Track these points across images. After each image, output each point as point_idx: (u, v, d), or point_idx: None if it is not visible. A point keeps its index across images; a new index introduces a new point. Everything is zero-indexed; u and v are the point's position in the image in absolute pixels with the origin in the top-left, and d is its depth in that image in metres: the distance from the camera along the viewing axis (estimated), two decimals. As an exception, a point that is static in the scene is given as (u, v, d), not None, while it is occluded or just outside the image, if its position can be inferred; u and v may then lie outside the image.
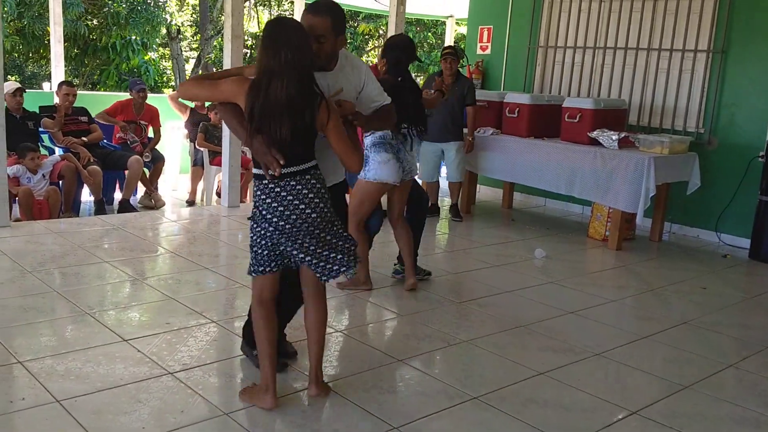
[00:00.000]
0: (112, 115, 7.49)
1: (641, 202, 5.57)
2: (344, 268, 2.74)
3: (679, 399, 3.15)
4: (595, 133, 6.00)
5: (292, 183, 2.63)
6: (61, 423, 2.60)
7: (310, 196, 2.64)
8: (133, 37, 14.19)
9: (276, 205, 2.63)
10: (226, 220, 6.24)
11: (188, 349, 3.33)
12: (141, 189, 7.46)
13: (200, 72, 18.50)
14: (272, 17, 2.77)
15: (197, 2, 18.73)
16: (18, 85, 6.68)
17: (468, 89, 6.36)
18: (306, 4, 2.94)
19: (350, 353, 3.45)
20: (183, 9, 19.04)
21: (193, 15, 19.45)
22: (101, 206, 6.63)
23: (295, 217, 2.63)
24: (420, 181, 5.67)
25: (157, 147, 7.75)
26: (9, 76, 14.03)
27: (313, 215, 2.65)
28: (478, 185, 7.59)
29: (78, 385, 2.89)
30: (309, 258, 2.69)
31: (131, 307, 3.91)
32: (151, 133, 7.74)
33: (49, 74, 10.03)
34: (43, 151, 6.74)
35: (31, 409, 2.69)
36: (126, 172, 6.99)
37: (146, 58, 15.04)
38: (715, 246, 6.28)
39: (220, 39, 17.40)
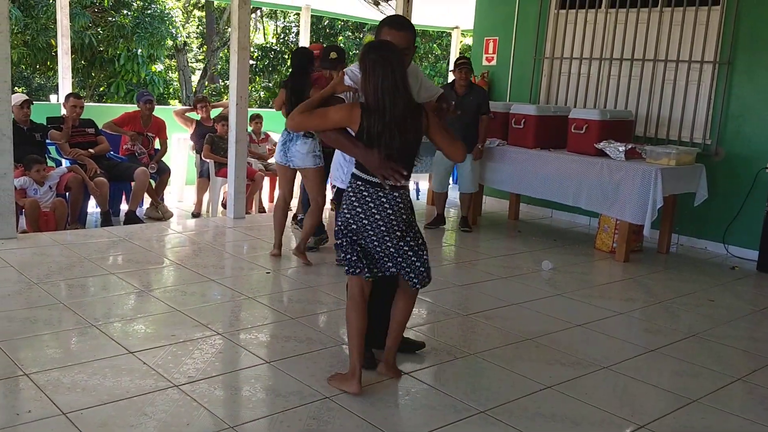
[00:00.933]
0: (120, 126, 7.51)
1: (648, 214, 5.54)
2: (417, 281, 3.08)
3: (687, 413, 3.12)
4: (601, 144, 5.99)
5: (394, 194, 2.93)
6: (67, 436, 2.59)
7: (401, 205, 2.96)
8: (139, 51, 14.26)
9: (373, 209, 2.93)
10: (231, 232, 6.24)
11: (194, 361, 3.32)
12: (147, 200, 7.47)
13: (206, 83, 18.62)
14: (368, 44, 3.14)
15: (203, 14, 18.85)
16: (25, 97, 6.71)
17: (483, 99, 6.42)
18: (387, 19, 3.23)
19: (356, 366, 3.43)
20: (189, 21, 19.16)
21: (200, 27, 19.57)
22: (108, 218, 6.64)
23: (383, 222, 2.94)
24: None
25: (163, 159, 7.77)
26: (16, 88, 14.12)
27: (401, 223, 2.98)
28: (484, 196, 7.58)
29: (84, 398, 2.88)
30: (395, 263, 3.04)
31: (137, 319, 3.91)
32: (157, 145, 7.76)
33: (56, 86, 10.09)
34: (50, 163, 6.77)
35: (37, 422, 2.68)
36: (132, 183, 7.01)
37: (153, 70, 15.11)
38: (723, 258, 6.25)
39: (226, 51, 17.49)
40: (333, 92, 3.05)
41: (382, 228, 2.93)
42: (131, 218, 6.80)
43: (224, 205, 7.44)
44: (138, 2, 15.21)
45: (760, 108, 6.12)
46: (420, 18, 8.64)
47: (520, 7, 7.86)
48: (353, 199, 2.95)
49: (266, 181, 8.29)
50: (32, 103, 6.70)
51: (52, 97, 10.53)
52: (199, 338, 3.62)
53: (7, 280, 4.40)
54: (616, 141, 5.97)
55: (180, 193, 8.64)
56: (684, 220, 6.51)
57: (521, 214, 7.49)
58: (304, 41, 10.15)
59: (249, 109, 7.30)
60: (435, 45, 18.91)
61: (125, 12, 14.65)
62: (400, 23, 3.13)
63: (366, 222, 2.94)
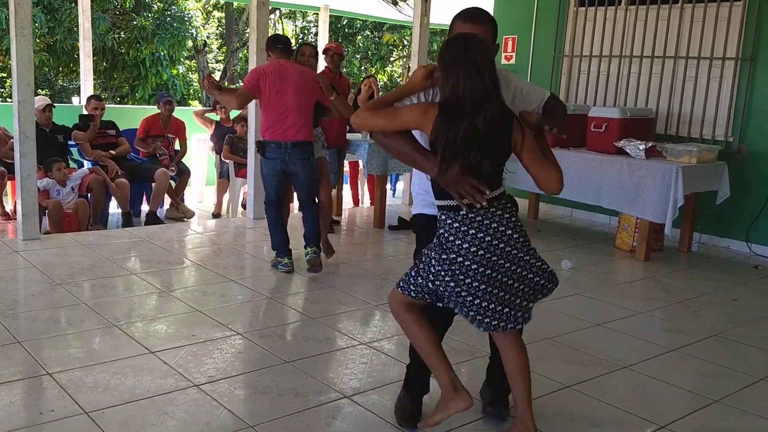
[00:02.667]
0: (144, 139, 7.58)
1: (669, 212, 5.49)
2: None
3: (709, 413, 3.09)
4: (621, 142, 5.94)
5: (491, 210, 2.40)
6: (89, 435, 2.63)
7: (513, 220, 2.47)
8: (162, 53, 14.39)
9: (482, 235, 2.37)
10: (251, 232, 6.28)
11: (214, 361, 3.35)
12: (168, 201, 7.54)
13: (226, 84, 18.75)
14: (449, 38, 2.44)
15: (223, 15, 18.97)
16: (48, 101, 6.81)
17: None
18: (462, 12, 2.65)
19: (375, 366, 3.44)
20: (209, 22, 19.29)
21: (219, 28, 19.70)
22: (128, 218, 6.72)
23: (499, 243, 2.40)
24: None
25: (183, 160, 7.84)
26: (39, 91, 14.32)
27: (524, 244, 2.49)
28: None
29: (106, 397, 2.92)
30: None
31: (158, 319, 3.95)
32: (177, 146, 7.83)
33: (79, 88, 10.22)
34: (72, 164, 6.86)
35: (59, 421, 2.72)
36: (153, 184, 7.08)
37: (175, 72, 15.25)
38: (745, 256, 6.17)
39: (245, 51, 17.58)
40: (411, 90, 2.50)
41: (510, 251, 2.42)
42: (152, 219, 6.88)
43: (244, 206, 7.49)
44: (158, 4, 15.34)
45: (783, 104, 6.03)
46: (438, 17, 8.62)
47: (539, 5, 7.81)
48: (451, 238, 2.38)
49: (285, 182, 8.32)
50: (54, 106, 6.79)
51: (74, 99, 10.66)
52: (219, 338, 3.65)
53: (31, 281, 4.47)
54: (637, 139, 5.92)
55: (200, 193, 8.71)
56: (706, 219, 6.43)
57: (541, 213, 7.45)
58: (323, 41, 10.18)
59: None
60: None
61: (146, 14, 14.78)
62: (476, 16, 2.59)
63: (485, 251, 2.36)
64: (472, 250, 2.35)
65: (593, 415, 3.00)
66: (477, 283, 2.35)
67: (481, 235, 2.36)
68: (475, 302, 2.37)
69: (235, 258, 5.41)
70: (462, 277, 2.36)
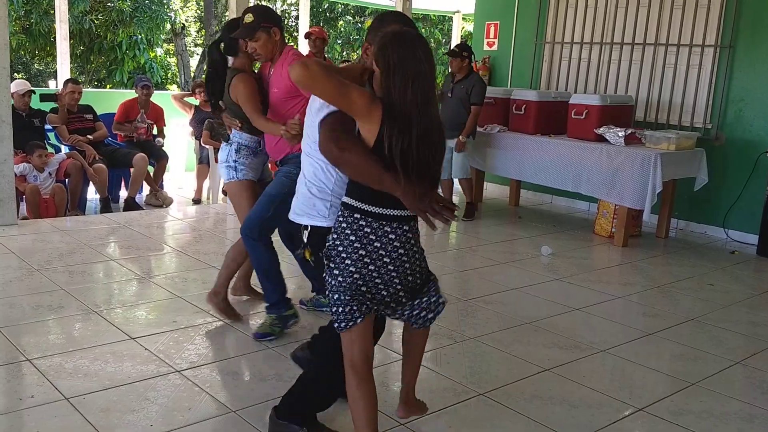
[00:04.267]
0: (122, 123, 7.48)
1: (648, 199, 5.55)
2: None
3: (686, 396, 3.14)
4: (601, 129, 5.98)
5: (404, 227, 2.20)
6: (70, 420, 2.62)
7: (413, 241, 2.25)
8: (140, 36, 14.21)
9: (380, 249, 2.18)
10: (232, 219, 6.24)
11: (195, 347, 3.34)
12: (147, 188, 7.47)
13: (204, 68, 18.57)
14: (391, 34, 2.13)
15: (202, -1, 18.76)
16: (30, 87, 6.70)
17: (472, 88, 6.17)
18: (388, 15, 2.50)
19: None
20: (188, 5, 19.05)
21: (198, 11, 19.47)
22: (107, 204, 6.65)
23: (394, 267, 2.21)
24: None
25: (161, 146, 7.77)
26: (15, 74, 14.07)
27: (415, 267, 2.28)
28: (484, 183, 7.58)
29: (86, 383, 2.91)
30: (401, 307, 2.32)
31: (138, 306, 3.93)
32: (155, 132, 7.75)
33: (55, 72, 10.06)
34: (49, 149, 6.76)
35: (39, 407, 2.71)
36: (131, 170, 7.01)
37: (152, 55, 15.07)
38: (722, 242, 6.26)
39: (225, 36, 17.38)
40: (347, 77, 2.22)
41: (392, 274, 2.20)
42: (130, 205, 6.81)
43: (225, 192, 7.44)
44: (136, -14, 15.15)
45: (761, 92, 6.10)
46: (421, 2, 8.59)
47: (521, -9, 7.82)
48: (352, 238, 2.18)
49: (266, 167, 8.28)
50: (34, 92, 6.69)
51: (51, 83, 10.51)
52: (201, 324, 3.64)
53: (9, 267, 4.42)
54: (616, 126, 5.96)
55: (180, 179, 8.64)
56: (684, 205, 6.51)
57: (521, 201, 7.50)
58: (304, 25, 10.10)
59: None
60: (437, 30, 18.79)
61: (124, -4, 14.59)
62: (407, 20, 2.43)
63: (372, 267, 2.18)
64: (364, 259, 2.18)
65: (572, 397, 3.04)
66: (350, 294, 2.20)
67: (383, 251, 2.18)
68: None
69: (216, 244, 5.38)
70: (344, 281, 2.21)
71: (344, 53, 18.54)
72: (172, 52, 18.19)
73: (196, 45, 20.12)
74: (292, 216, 2.48)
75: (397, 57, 2.10)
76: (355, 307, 2.20)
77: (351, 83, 2.16)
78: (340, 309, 2.23)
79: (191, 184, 8.09)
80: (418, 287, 2.30)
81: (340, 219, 2.23)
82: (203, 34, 19.17)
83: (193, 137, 8.13)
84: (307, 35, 6.64)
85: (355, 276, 2.19)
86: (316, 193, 2.37)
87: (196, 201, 7.70)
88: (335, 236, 2.23)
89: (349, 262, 2.19)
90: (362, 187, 2.17)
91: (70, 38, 9.61)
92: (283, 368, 3.17)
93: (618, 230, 5.91)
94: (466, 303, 4.22)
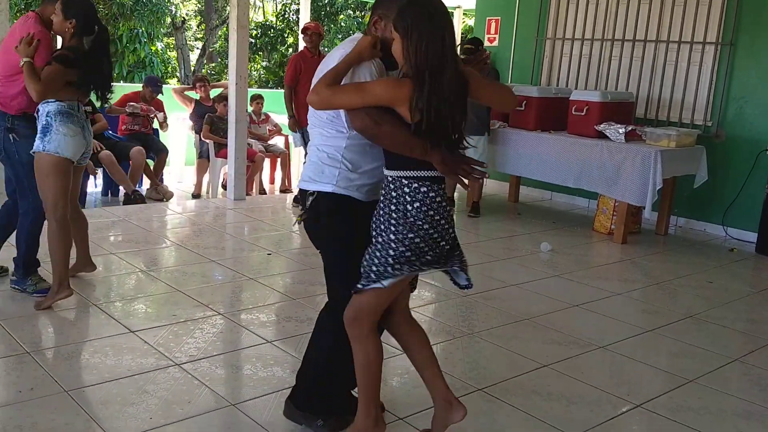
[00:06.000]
0: (122, 104, 7.46)
1: (649, 195, 5.55)
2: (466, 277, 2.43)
3: (683, 392, 3.15)
4: (602, 126, 5.98)
5: (442, 186, 2.27)
6: (69, 413, 2.62)
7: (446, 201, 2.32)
8: (140, 30, 14.17)
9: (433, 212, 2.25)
10: (232, 213, 6.25)
11: (195, 340, 3.35)
12: (146, 182, 7.47)
13: (205, 62, 18.54)
14: None
15: (203, -8, 18.72)
16: None
17: (494, 78, 6.32)
18: None
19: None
20: (188, -1, 19.03)
21: (198, 4, 19.43)
22: (129, 199, 6.63)
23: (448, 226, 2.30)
24: None
25: (161, 138, 7.76)
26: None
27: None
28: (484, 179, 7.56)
29: (85, 376, 2.91)
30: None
31: (138, 299, 3.93)
32: (156, 125, 7.74)
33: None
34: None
35: (39, 399, 2.71)
36: (130, 163, 7.01)
37: (153, 49, 15.04)
38: (721, 240, 6.27)
39: (225, 29, 17.38)
40: (360, 59, 2.27)
41: (446, 228, 2.29)
42: (130, 198, 6.81)
43: (224, 186, 7.45)
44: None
45: (761, 90, 6.10)
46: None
47: (522, -13, 7.81)
48: (425, 209, 2.21)
49: (267, 163, 8.29)
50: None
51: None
52: (200, 318, 3.65)
53: (7, 259, 4.41)
54: (617, 123, 5.96)
55: (179, 173, 8.64)
56: (683, 202, 6.52)
57: (521, 197, 7.50)
58: (305, 18, 10.08)
59: (249, 89, 7.28)
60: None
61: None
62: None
63: (435, 233, 2.24)
64: (436, 218, 2.24)
65: (570, 393, 3.05)
66: (426, 247, 2.25)
67: (438, 217, 2.26)
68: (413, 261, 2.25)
69: (216, 238, 5.39)
70: (419, 242, 2.24)
71: (345, 48, 18.45)
72: (172, 46, 18.15)
73: (196, 39, 20.09)
74: (300, 184, 2.49)
75: (414, 20, 2.13)
76: (405, 268, 2.25)
77: (366, 83, 2.22)
78: (389, 268, 2.23)
79: (191, 179, 8.10)
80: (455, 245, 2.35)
81: (396, 188, 2.24)
82: (204, 28, 19.14)
83: (193, 131, 8.13)
84: (303, 30, 6.65)
85: (416, 240, 2.22)
86: (326, 161, 2.37)
87: (196, 195, 7.70)
88: (393, 207, 2.23)
89: (410, 227, 2.21)
90: (401, 156, 2.22)
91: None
92: (281, 362, 3.17)
93: (617, 227, 5.91)
94: (465, 299, 4.22)
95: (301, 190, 2.47)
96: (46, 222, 3.65)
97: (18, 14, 13.08)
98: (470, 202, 6.76)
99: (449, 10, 13.83)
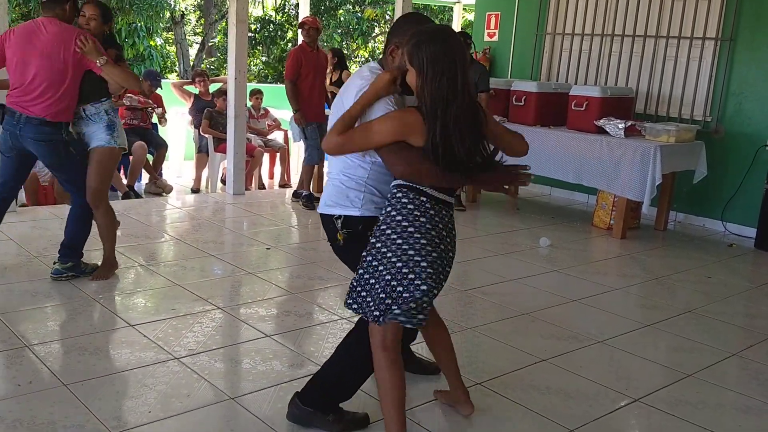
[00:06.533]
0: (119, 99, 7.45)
1: (647, 191, 5.55)
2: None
3: (682, 387, 3.16)
4: (601, 121, 5.98)
5: (451, 212, 2.37)
6: (68, 406, 2.63)
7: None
8: (139, 24, 14.16)
9: (443, 230, 2.31)
10: (231, 208, 6.25)
11: (194, 334, 3.35)
12: (146, 176, 7.47)
13: (204, 57, 18.50)
14: (423, 32, 2.24)
15: (202, -13, 18.68)
16: None
17: (480, 75, 6.26)
18: (411, 17, 2.65)
19: (355, 340, 3.46)
20: (188, -6, 18.99)
21: None
22: (127, 195, 6.64)
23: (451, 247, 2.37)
24: None
25: (160, 133, 7.75)
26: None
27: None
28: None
29: (84, 370, 2.91)
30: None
31: (137, 293, 3.94)
32: (155, 120, 7.74)
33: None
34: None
35: (38, 393, 2.71)
36: (130, 158, 7.00)
37: (152, 44, 15.02)
38: (720, 235, 6.27)
39: (224, 23, 17.35)
40: (377, 97, 2.31)
41: (450, 254, 2.34)
42: (129, 193, 6.81)
43: (223, 181, 7.44)
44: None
45: (761, 85, 6.10)
46: (421, -8, 8.58)
47: (522, -18, 7.80)
48: (423, 220, 2.24)
49: (266, 158, 8.28)
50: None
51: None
52: (200, 312, 3.65)
53: (7, 254, 4.42)
54: (617, 118, 5.96)
55: (178, 168, 8.64)
56: (682, 198, 6.52)
57: (520, 192, 7.49)
58: (304, 13, 10.06)
59: (248, 84, 7.27)
60: (437, 21, 18.74)
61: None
62: (428, 21, 2.53)
63: (442, 247, 2.28)
64: (435, 240, 2.26)
65: (568, 387, 3.05)
66: (425, 264, 2.23)
67: (445, 233, 2.30)
68: (419, 287, 2.22)
69: (215, 233, 5.38)
70: (414, 255, 2.23)
71: (344, 43, 18.49)
72: (171, 41, 18.12)
73: (195, 34, 20.06)
74: (322, 208, 2.53)
75: (428, 56, 2.17)
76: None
77: (372, 122, 2.26)
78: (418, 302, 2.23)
79: (190, 173, 8.09)
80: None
81: (404, 202, 2.26)
82: (203, 22, 19.10)
83: (192, 126, 8.12)
84: (301, 25, 6.63)
85: (433, 255, 2.24)
86: (350, 185, 2.44)
87: (195, 190, 7.70)
88: (400, 218, 2.25)
89: (424, 241, 2.23)
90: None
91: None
92: (280, 356, 3.18)
93: (617, 222, 5.91)
94: (464, 293, 4.23)
95: (324, 215, 2.52)
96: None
97: (17, 8, 13.06)
98: (471, 196, 6.78)
99: (449, 5, 13.79)
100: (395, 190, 2.30)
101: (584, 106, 6.14)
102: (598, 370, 3.29)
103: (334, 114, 2.44)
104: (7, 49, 3.76)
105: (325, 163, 8.08)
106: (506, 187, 2.39)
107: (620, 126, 5.84)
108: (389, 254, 2.24)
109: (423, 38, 2.20)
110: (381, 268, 2.25)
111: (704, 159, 6.04)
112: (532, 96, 6.53)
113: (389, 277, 2.23)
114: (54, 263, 4.02)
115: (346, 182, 2.45)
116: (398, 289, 2.22)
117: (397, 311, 2.22)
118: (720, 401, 3.05)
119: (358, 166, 2.43)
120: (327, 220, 2.51)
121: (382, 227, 2.29)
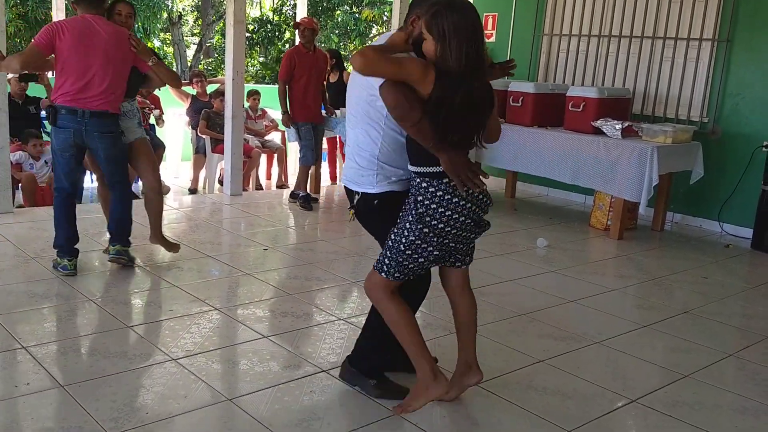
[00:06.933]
0: None
1: (644, 192, 5.55)
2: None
3: (679, 388, 3.16)
4: (598, 122, 5.99)
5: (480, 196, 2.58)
6: (65, 408, 2.62)
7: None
8: (136, 24, 14.14)
9: (461, 203, 2.51)
10: (228, 208, 6.25)
11: (191, 335, 3.35)
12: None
13: (201, 58, 18.50)
14: (443, 2, 2.38)
15: (199, -12, 18.66)
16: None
17: None
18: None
19: (352, 341, 3.44)
20: (185, -6, 18.98)
21: (195, 0, 19.38)
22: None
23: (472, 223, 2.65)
24: None
25: (158, 134, 7.74)
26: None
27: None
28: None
29: (81, 371, 2.91)
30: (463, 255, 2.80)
31: (134, 294, 3.93)
32: (152, 120, 7.73)
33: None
34: (45, 138, 6.74)
35: (35, 394, 2.71)
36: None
37: (150, 45, 15.00)
38: (717, 236, 6.28)
39: (222, 24, 17.34)
40: (394, 50, 2.45)
41: (470, 225, 2.61)
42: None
43: (221, 182, 7.44)
44: (133, -26, 15.06)
45: (758, 86, 6.11)
46: (418, -7, 8.59)
47: (519, -17, 7.80)
48: (433, 206, 2.48)
49: (263, 158, 8.28)
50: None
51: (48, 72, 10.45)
52: (197, 313, 3.64)
53: (5, 255, 4.41)
54: (614, 119, 5.97)
55: (176, 169, 8.63)
56: (679, 198, 6.53)
57: (517, 192, 7.50)
58: (302, 13, 10.06)
59: (246, 85, 7.27)
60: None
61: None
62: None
63: (460, 220, 2.54)
64: (454, 216, 2.49)
65: (566, 388, 3.05)
66: (447, 241, 2.56)
67: (463, 202, 2.49)
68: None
69: (212, 234, 5.38)
70: (436, 238, 2.52)
71: (342, 43, 18.48)
72: (169, 42, 18.11)
73: (192, 34, 20.05)
74: (345, 182, 2.77)
75: (451, 23, 2.33)
76: (430, 261, 2.58)
77: (402, 57, 2.40)
78: (416, 265, 2.56)
79: (188, 174, 8.09)
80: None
81: (427, 186, 2.48)
82: (200, 23, 19.09)
83: (190, 127, 8.12)
84: (296, 26, 6.62)
85: (446, 230, 2.51)
86: (364, 164, 2.65)
87: (193, 191, 7.69)
88: (427, 201, 2.48)
89: (444, 221, 2.49)
90: (417, 154, 2.47)
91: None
92: (278, 357, 3.18)
93: (614, 223, 5.92)
94: (461, 294, 4.22)
95: (347, 188, 2.75)
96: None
97: (14, 8, 13.04)
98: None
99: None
100: (418, 180, 2.49)
101: (581, 106, 6.15)
102: (596, 370, 3.30)
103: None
104: (61, 44, 3.84)
105: (324, 164, 8.10)
106: (459, 178, 2.41)
107: (617, 127, 5.85)
108: (411, 236, 2.51)
109: (443, 8, 2.34)
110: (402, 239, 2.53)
111: (701, 160, 6.05)
112: (529, 97, 6.53)
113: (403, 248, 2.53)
114: (107, 249, 4.29)
115: (361, 162, 2.65)
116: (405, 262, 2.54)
117: (398, 276, 2.56)
118: (717, 402, 3.05)
119: (371, 141, 2.61)
120: (349, 192, 2.75)
121: (420, 210, 2.49)
